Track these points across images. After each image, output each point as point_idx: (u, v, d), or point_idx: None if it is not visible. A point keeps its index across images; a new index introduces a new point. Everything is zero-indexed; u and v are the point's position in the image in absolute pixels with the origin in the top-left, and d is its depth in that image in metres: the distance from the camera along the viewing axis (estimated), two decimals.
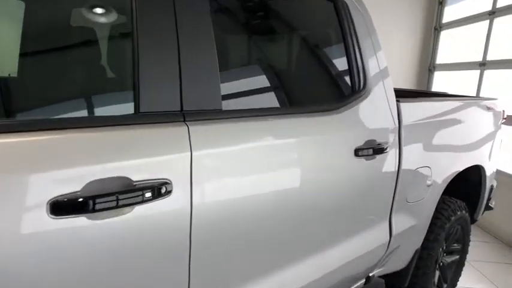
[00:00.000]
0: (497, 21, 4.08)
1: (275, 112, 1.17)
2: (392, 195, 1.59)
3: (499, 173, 3.45)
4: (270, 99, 1.27)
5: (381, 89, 1.52)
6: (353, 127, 1.37)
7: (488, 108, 2.46)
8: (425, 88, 5.48)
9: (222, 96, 1.05)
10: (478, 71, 4.26)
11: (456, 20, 4.87)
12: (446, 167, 1.91)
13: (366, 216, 1.51)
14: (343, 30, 1.47)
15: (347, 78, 1.46)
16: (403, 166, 1.60)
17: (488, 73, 4.16)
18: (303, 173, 1.20)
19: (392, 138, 1.52)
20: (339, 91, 1.45)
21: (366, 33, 1.56)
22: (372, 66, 1.54)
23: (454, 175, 2.03)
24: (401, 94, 3.12)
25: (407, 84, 5.55)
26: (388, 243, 1.66)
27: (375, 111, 1.47)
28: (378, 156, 1.45)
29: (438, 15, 5.29)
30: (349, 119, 1.37)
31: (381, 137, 1.46)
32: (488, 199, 2.69)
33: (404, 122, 1.60)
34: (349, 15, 1.49)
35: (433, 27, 5.32)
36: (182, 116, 0.96)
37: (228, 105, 1.09)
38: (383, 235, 1.62)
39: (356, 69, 1.45)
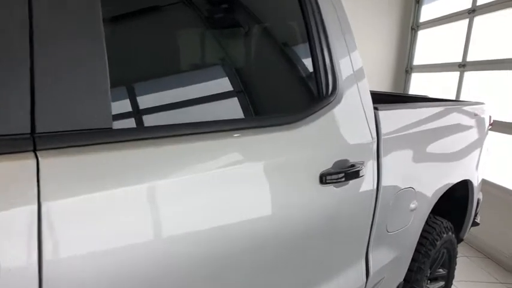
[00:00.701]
0: (478, 20, 3.87)
1: (200, 129, 0.81)
2: (370, 228, 1.26)
3: (485, 183, 3.21)
4: (194, 112, 0.90)
5: (355, 95, 1.19)
6: (318, 145, 1.03)
7: (475, 114, 2.19)
8: (402, 91, 5.25)
9: (115, 108, 0.69)
10: (458, 73, 4.04)
11: (434, 19, 4.66)
12: (432, 186, 1.60)
13: (335, 258, 1.18)
14: (307, 22, 1.12)
15: (311, 82, 1.11)
16: (383, 190, 1.27)
17: (468, 75, 3.95)
18: (242, 215, 0.85)
19: (369, 156, 1.19)
20: (300, 97, 1.10)
21: (338, 27, 1.22)
22: (345, 67, 1.20)
23: (442, 193, 1.73)
24: (378, 98, 2.83)
25: (383, 87, 5.31)
26: (365, 286, 1.33)
27: (347, 122, 1.14)
28: (352, 182, 1.11)
29: (415, 14, 5.07)
30: (313, 134, 1.02)
31: (355, 156, 1.13)
32: (475, 214, 2.42)
33: (384, 134, 1.28)
34: (316, 4, 1.15)
35: (410, 27, 5.10)
36: (32, 141, 0.59)
37: (124, 122, 0.73)
38: (358, 278, 1.29)
39: (323, 70, 1.11)
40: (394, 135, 1.33)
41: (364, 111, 1.20)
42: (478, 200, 2.45)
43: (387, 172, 1.29)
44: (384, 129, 1.27)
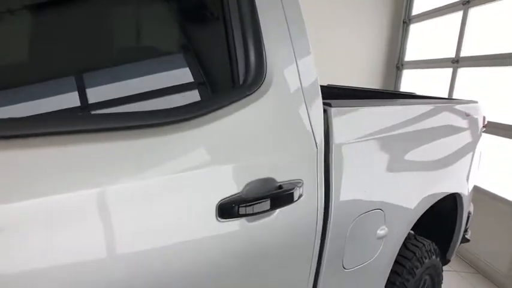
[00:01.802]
0: (473, 12, 3.54)
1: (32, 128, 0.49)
2: (315, 268, 0.92)
3: (477, 191, 2.90)
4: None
5: (294, 85, 0.85)
6: (215, 157, 0.69)
7: (467, 114, 1.86)
8: (393, 88, 4.92)
9: None
10: (451, 69, 3.71)
11: (427, 12, 4.32)
12: (409, 205, 1.27)
13: None
14: None
15: (219, 67, 0.77)
16: (335, 216, 0.93)
17: (462, 71, 3.62)
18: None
19: (311, 171, 0.85)
20: (195, 87, 0.75)
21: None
22: (281, 49, 0.85)
23: (423, 211, 1.40)
24: (355, 95, 2.49)
25: (372, 84, 4.98)
26: None
27: (275, 123, 0.80)
28: (281, 210, 0.77)
29: (407, 7, 4.73)
30: (209, 140, 0.68)
31: (287, 172, 0.79)
32: (465, 230, 2.10)
33: (338, 139, 0.94)
34: None
35: (401, 20, 4.76)
36: None
37: None
38: None
39: (242, 52, 0.77)
40: (355, 140, 0.99)
41: (307, 109, 0.86)
42: (469, 214, 2.13)
43: (343, 191, 0.95)
44: (338, 133, 0.93)
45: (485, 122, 2.14)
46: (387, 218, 1.14)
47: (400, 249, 1.44)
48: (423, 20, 4.43)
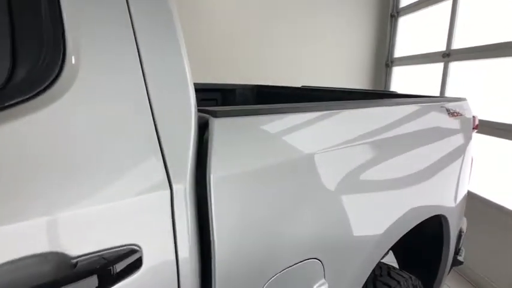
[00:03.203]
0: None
1: None
2: None
3: (473, 198, 2.55)
4: None
5: (126, 82, 0.52)
6: None
7: (453, 114, 1.53)
8: (383, 87, 4.59)
9: None
10: (442, 64, 3.37)
11: (416, 2, 3.99)
12: (364, 246, 0.93)
13: None
14: None
15: None
16: (221, 281, 0.60)
17: (454, 66, 3.28)
18: None
19: (159, 227, 0.52)
20: None
21: None
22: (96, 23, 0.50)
23: (391, 245, 1.07)
24: (330, 96, 2.15)
25: (361, 83, 4.65)
26: None
27: (76, 144, 0.46)
28: None
29: None
30: None
31: (97, 238, 0.46)
32: (456, 252, 1.76)
33: (222, 169, 0.60)
34: None
35: (389, 14, 4.43)
36: None
37: None
38: None
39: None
40: (259, 167, 0.66)
41: (155, 122, 0.53)
42: (461, 232, 1.79)
43: (234, 246, 0.61)
44: (225, 158, 0.60)
45: (476, 123, 1.81)
46: (330, 267, 0.81)
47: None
48: (412, 11, 4.09)
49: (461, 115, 1.60)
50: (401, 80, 4.40)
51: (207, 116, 0.61)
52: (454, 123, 1.51)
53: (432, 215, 1.32)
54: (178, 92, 0.56)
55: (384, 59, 4.51)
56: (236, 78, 3.82)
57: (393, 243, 1.05)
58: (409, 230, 1.12)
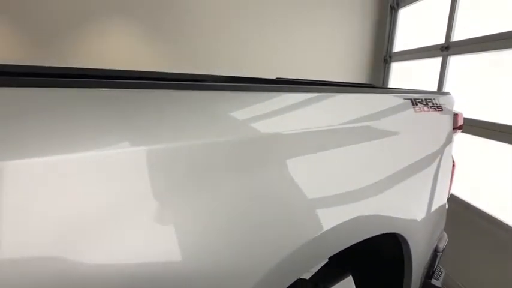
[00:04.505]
0: None
1: None
2: None
3: (468, 210, 2.24)
4: None
5: None
6: None
7: (423, 108, 1.26)
8: (382, 83, 4.27)
9: None
10: (441, 58, 3.05)
11: None
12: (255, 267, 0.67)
13: None
14: None
15: None
16: None
17: (455, 60, 2.96)
18: None
19: None
20: None
21: None
22: None
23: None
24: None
25: (361, 78, 4.34)
26: None
27: None
28: None
29: None
30: None
31: None
32: (429, 275, 1.47)
33: None
34: None
35: (389, 5, 4.11)
36: None
37: None
38: None
39: None
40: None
41: None
42: (436, 251, 1.51)
43: None
44: None
45: (460, 122, 1.52)
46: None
47: None
48: (414, 1, 3.77)
49: (435, 110, 1.32)
50: (400, 77, 4.07)
51: None
52: (422, 119, 1.23)
53: (383, 232, 1.04)
54: None
55: (383, 54, 4.19)
56: (236, 73, 3.57)
57: (311, 265, 0.78)
58: (340, 248, 0.85)
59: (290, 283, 0.74)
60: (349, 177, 0.88)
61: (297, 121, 0.76)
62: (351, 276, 1.25)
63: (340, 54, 4.20)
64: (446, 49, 2.96)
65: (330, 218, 0.81)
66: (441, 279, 1.61)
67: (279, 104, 0.74)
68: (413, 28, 3.86)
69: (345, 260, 1.31)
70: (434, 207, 1.34)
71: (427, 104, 1.28)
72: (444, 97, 1.42)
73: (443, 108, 1.38)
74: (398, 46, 4.06)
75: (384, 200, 1.02)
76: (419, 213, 1.21)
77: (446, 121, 1.41)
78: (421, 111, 1.23)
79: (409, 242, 1.15)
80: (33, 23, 3.28)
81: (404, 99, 1.17)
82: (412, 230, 1.17)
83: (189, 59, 3.71)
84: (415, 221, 1.18)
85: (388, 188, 1.03)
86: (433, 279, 1.54)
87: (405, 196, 1.13)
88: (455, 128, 1.50)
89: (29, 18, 3.26)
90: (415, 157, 1.18)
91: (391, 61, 4.13)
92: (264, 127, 0.69)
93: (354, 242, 0.91)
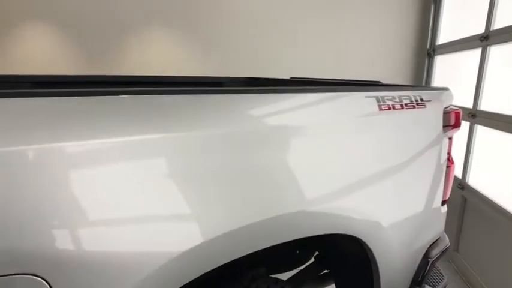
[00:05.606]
0: None
1: None
2: None
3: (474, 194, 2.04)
4: None
5: None
6: None
7: (393, 106, 1.21)
8: (424, 79, 4.01)
9: None
10: (480, 49, 2.80)
11: None
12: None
13: None
14: None
15: None
16: None
17: (495, 50, 2.70)
18: None
19: None
20: None
21: None
22: None
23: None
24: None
25: (402, 74, 4.12)
26: None
27: None
28: None
29: None
30: None
31: None
32: (416, 282, 1.39)
33: None
34: None
35: None
36: None
37: None
38: None
39: None
40: None
41: None
42: (428, 258, 1.42)
43: None
44: None
45: (453, 120, 1.42)
46: None
47: None
48: None
49: (414, 108, 1.25)
50: (445, 71, 3.79)
51: None
52: (391, 117, 1.18)
53: (334, 232, 1.03)
54: None
55: (426, 47, 3.93)
56: (274, 74, 3.65)
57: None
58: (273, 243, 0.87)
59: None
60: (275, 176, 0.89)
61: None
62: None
63: (378, 51, 4.03)
64: (486, 39, 2.71)
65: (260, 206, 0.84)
66: (441, 286, 1.52)
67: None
68: (458, 17, 3.57)
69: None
70: (413, 212, 1.27)
71: (401, 102, 1.22)
72: (431, 93, 1.33)
73: (428, 106, 1.30)
74: (443, 38, 3.78)
75: (332, 200, 1.01)
76: (386, 217, 1.16)
77: (432, 119, 1.32)
78: (389, 109, 1.17)
79: (370, 246, 1.11)
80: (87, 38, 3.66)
81: (366, 97, 1.13)
82: (374, 235, 1.12)
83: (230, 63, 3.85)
84: (378, 225, 1.13)
85: (337, 189, 1.02)
86: (426, 286, 1.46)
87: (365, 199, 1.09)
88: (450, 126, 1.40)
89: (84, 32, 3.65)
90: (380, 159, 1.14)
91: (435, 54, 3.86)
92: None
93: (288, 239, 0.92)
